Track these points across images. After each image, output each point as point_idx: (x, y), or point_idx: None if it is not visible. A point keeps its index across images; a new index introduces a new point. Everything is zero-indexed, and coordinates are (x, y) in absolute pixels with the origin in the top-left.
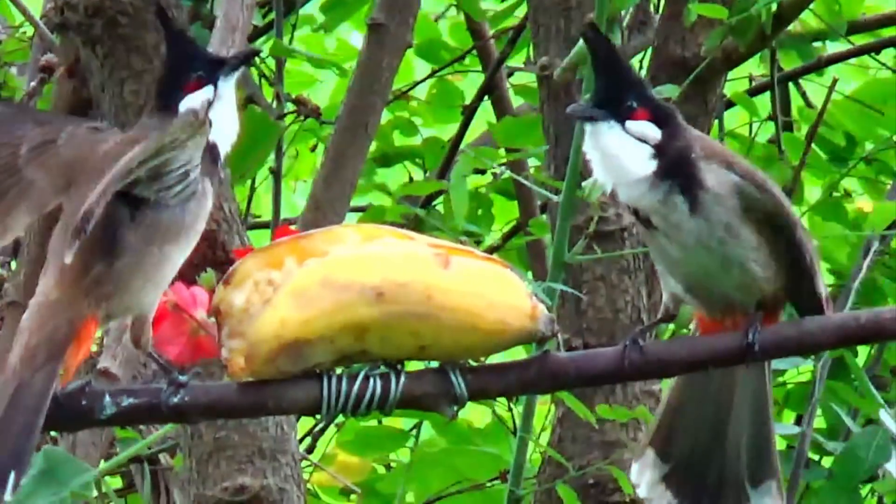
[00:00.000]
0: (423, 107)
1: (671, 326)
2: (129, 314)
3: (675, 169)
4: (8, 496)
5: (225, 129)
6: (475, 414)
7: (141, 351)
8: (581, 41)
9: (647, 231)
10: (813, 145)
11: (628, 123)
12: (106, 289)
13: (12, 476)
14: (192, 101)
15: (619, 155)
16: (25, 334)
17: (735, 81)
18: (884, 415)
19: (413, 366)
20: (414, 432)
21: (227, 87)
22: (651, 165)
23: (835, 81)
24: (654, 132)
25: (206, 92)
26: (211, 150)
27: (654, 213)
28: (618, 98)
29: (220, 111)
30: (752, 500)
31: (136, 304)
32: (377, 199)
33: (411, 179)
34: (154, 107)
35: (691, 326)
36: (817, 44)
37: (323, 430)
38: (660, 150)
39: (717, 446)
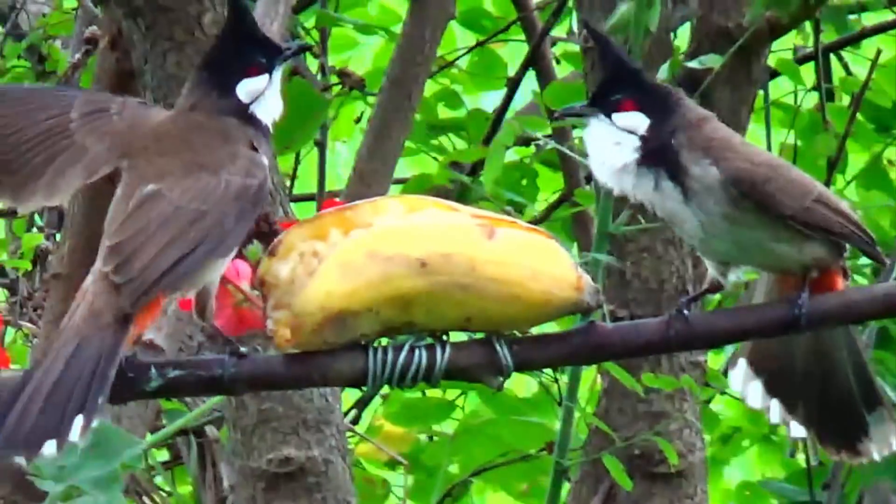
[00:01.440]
0: (465, 76)
1: (717, 297)
2: (195, 288)
3: (660, 157)
4: (75, 438)
5: (271, 111)
6: (520, 384)
7: (206, 323)
8: (621, 8)
9: (668, 223)
10: (858, 116)
11: (615, 116)
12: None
13: (80, 419)
14: (249, 86)
15: (605, 147)
16: (90, 297)
17: (779, 52)
18: None
19: (458, 337)
20: (459, 403)
21: (278, 76)
22: (635, 154)
23: (878, 53)
24: (641, 121)
25: (262, 80)
26: (264, 131)
27: (652, 201)
28: (607, 92)
29: (270, 96)
30: (870, 421)
31: (201, 278)
32: (426, 166)
33: (455, 149)
34: (209, 80)
35: (755, 284)
36: (853, 16)
37: (368, 402)
38: (646, 140)
39: (820, 368)
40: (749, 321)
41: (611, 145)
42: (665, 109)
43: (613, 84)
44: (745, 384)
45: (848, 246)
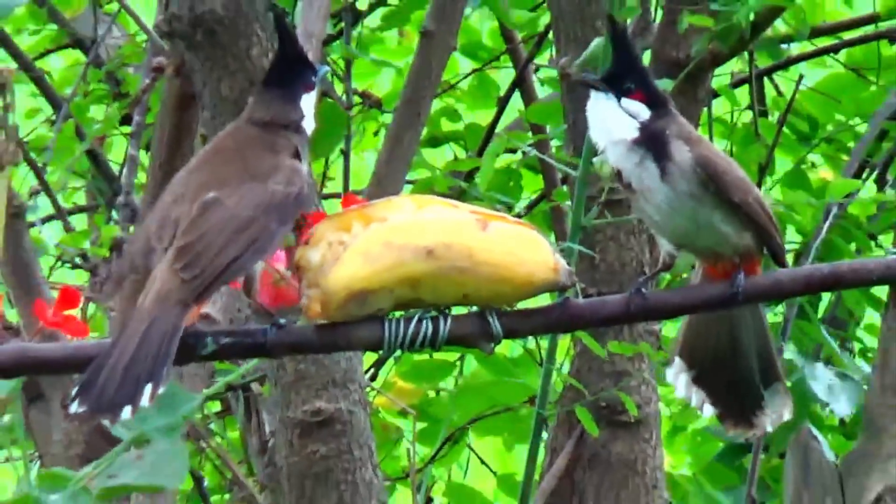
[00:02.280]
0: (465, 97)
1: (667, 276)
2: (243, 274)
3: (651, 141)
4: (145, 403)
5: (311, 123)
6: (508, 349)
7: (252, 300)
8: (592, 45)
9: (632, 196)
10: (784, 129)
11: (624, 100)
12: None
13: (150, 387)
14: (307, 100)
15: (610, 122)
16: (158, 284)
17: (720, 77)
18: (839, 352)
19: (458, 310)
20: (458, 364)
21: (315, 93)
22: (634, 134)
23: (801, 77)
24: (643, 112)
25: (313, 95)
26: (307, 140)
27: (632, 175)
28: (621, 78)
29: (311, 110)
30: (765, 396)
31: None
32: (426, 174)
33: (456, 158)
34: (279, 96)
35: (693, 272)
36: (785, 45)
37: (383, 363)
38: (644, 127)
39: (733, 357)
40: (695, 297)
41: (613, 121)
42: (663, 107)
43: (624, 73)
44: (676, 377)
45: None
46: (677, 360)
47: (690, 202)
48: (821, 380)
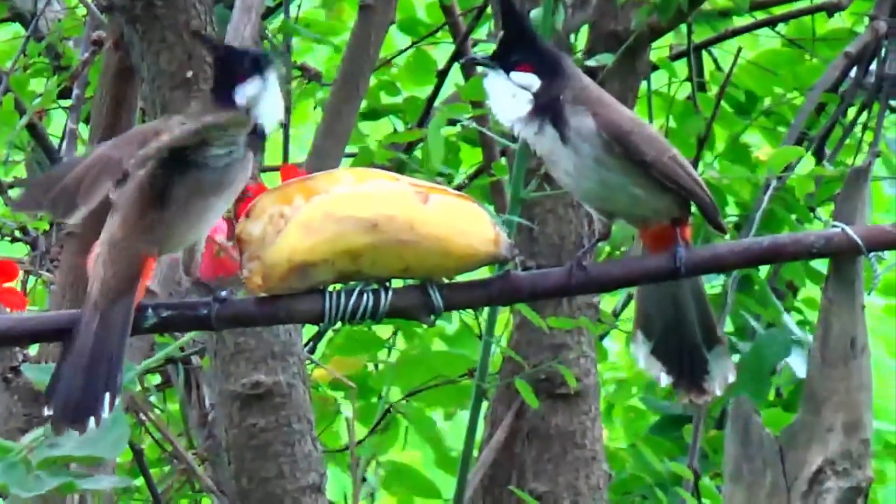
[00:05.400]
0: (402, 72)
1: (606, 248)
2: (179, 250)
3: (547, 109)
4: (106, 414)
5: (272, 112)
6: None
7: (191, 276)
8: (531, 16)
9: (546, 164)
10: (722, 102)
11: (513, 73)
12: (159, 232)
13: (108, 397)
14: (245, 90)
15: (503, 97)
16: (101, 271)
17: (658, 50)
18: (786, 317)
19: (399, 283)
20: (390, 340)
21: (272, 80)
22: (528, 106)
23: (739, 49)
24: (534, 81)
25: (255, 84)
26: (256, 130)
27: (535, 143)
28: (508, 53)
29: (268, 99)
30: (710, 360)
31: (183, 242)
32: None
33: (395, 131)
34: (212, 97)
35: (634, 242)
36: (725, 18)
37: (322, 336)
38: (537, 96)
39: (679, 324)
40: (636, 270)
41: (508, 96)
42: (555, 73)
43: (514, 45)
44: (637, 350)
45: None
46: (638, 332)
47: (595, 165)
48: (778, 342)
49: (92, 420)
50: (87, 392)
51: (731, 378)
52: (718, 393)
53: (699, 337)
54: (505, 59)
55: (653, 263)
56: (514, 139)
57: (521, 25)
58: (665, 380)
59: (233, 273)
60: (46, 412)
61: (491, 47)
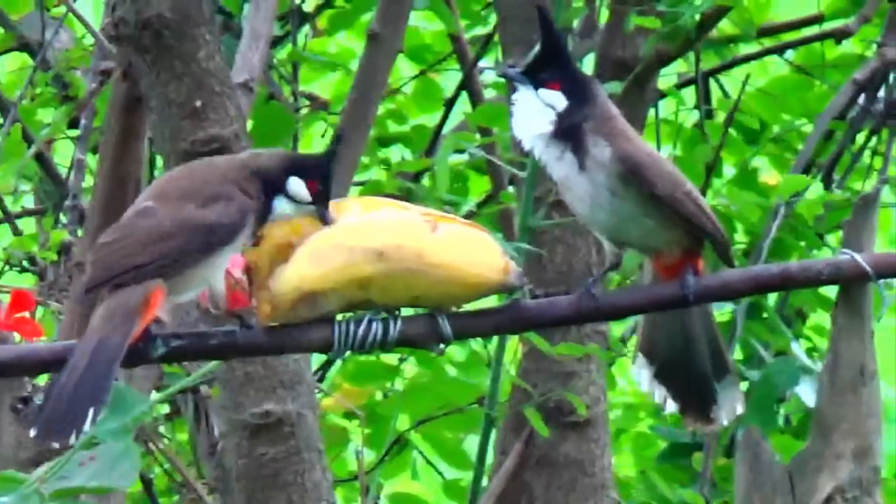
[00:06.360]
0: (409, 100)
1: (616, 277)
2: (192, 292)
3: (569, 134)
4: (87, 427)
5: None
6: (457, 350)
7: (220, 310)
8: (538, 47)
9: (561, 190)
10: (730, 129)
11: (541, 90)
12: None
13: (91, 412)
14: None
15: (527, 114)
16: (106, 300)
17: (666, 77)
18: (794, 346)
19: (408, 312)
20: (401, 367)
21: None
22: (550, 126)
23: (747, 76)
24: (561, 101)
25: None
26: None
27: (553, 168)
28: (539, 69)
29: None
30: (718, 389)
31: (195, 285)
32: (378, 174)
33: (403, 159)
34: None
35: (643, 270)
36: (732, 45)
37: (331, 365)
38: (562, 117)
39: (687, 352)
40: (645, 298)
41: (532, 113)
42: (583, 96)
43: (547, 63)
44: (639, 372)
45: None
46: (640, 355)
47: (610, 196)
48: (787, 370)
49: (73, 434)
50: (72, 408)
51: (740, 409)
52: (725, 423)
53: (708, 366)
54: (535, 76)
55: (661, 291)
56: (522, 167)
57: (557, 44)
58: (671, 406)
59: (248, 305)
60: (32, 433)
61: (494, 76)
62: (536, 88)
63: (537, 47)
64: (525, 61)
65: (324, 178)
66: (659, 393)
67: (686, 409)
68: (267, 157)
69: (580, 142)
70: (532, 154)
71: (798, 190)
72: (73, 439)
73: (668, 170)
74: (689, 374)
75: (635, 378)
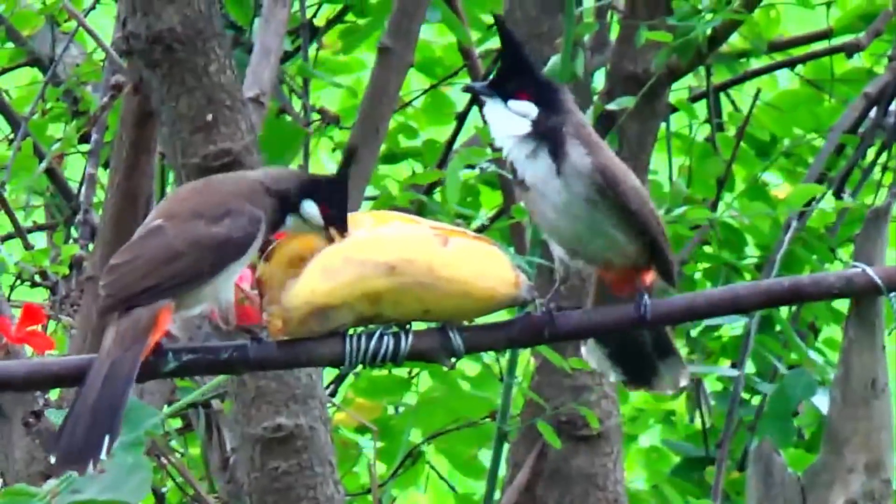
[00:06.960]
0: (420, 114)
1: None
2: (201, 307)
3: (546, 137)
4: (103, 456)
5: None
6: (468, 364)
7: (230, 325)
8: (550, 62)
9: (525, 195)
10: (742, 143)
11: (511, 101)
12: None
13: (107, 440)
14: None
15: (500, 124)
16: (116, 321)
17: (677, 91)
18: (812, 354)
19: (419, 326)
20: (414, 380)
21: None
22: (527, 129)
23: (758, 91)
24: (531, 110)
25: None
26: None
27: (525, 168)
28: (506, 81)
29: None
30: (661, 366)
31: (204, 300)
32: (384, 190)
33: (414, 173)
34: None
35: (590, 281)
36: (743, 60)
37: (343, 379)
38: (536, 124)
39: (634, 342)
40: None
41: (504, 123)
42: (553, 103)
43: (512, 74)
44: (589, 353)
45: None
46: (590, 340)
47: (586, 206)
48: (802, 381)
49: (91, 463)
50: (89, 436)
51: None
52: (668, 392)
53: (650, 347)
54: (502, 88)
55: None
56: None
57: (520, 54)
58: (613, 375)
59: (257, 320)
60: (51, 459)
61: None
62: (505, 101)
63: (500, 59)
64: (491, 76)
65: (338, 202)
66: (606, 368)
67: (628, 380)
68: (281, 176)
69: (560, 146)
70: (509, 158)
71: (808, 199)
72: (90, 468)
73: (637, 185)
74: (635, 356)
75: (585, 358)
